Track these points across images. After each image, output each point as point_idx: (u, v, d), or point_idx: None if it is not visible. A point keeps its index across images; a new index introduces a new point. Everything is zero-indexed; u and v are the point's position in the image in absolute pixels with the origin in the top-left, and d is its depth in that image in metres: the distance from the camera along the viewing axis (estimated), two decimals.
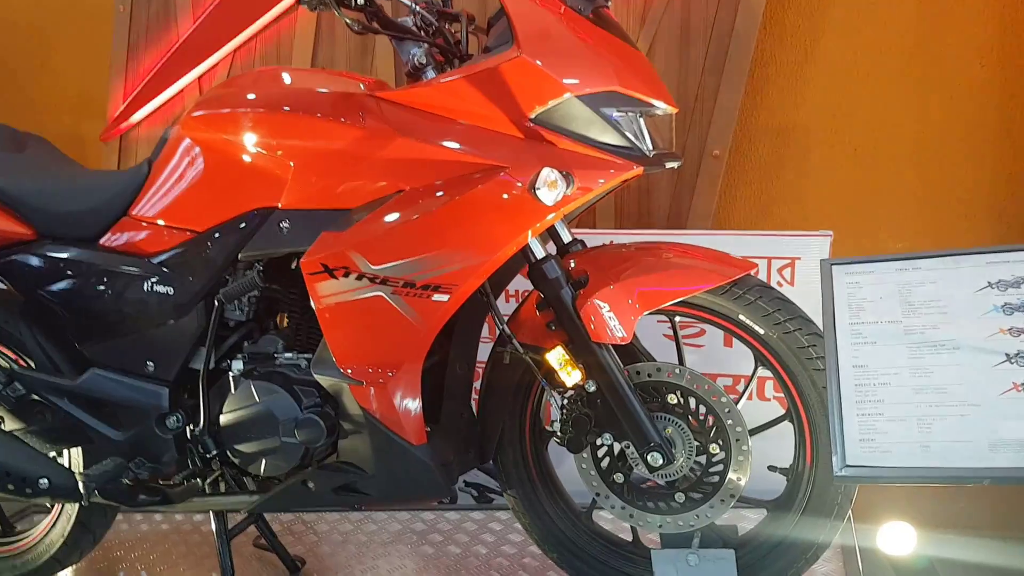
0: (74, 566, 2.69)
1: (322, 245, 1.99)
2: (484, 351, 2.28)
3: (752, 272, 2.05)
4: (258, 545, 2.71)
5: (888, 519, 2.71)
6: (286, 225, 2.04)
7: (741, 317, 2.04)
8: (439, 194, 1.93)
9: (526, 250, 2.03)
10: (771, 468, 2.15)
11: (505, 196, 1.90)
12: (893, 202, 3.08)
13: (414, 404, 2.08)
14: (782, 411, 2.13)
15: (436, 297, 1.95)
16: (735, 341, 2.10)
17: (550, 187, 1.87)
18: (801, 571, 2.11)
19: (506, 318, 2.14)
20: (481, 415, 2.23)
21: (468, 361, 2.32)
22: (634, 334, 2.02)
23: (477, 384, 2.30)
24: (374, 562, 2.67)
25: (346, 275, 1.97)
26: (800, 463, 2.08)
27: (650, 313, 2.01)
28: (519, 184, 1.88)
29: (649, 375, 2.08)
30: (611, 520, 2.20)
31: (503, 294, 2.91)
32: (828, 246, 2.72)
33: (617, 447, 2.09)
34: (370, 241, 1.95)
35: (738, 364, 2.83)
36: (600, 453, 2.13)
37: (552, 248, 2.15)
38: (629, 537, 2.27)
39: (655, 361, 2.12)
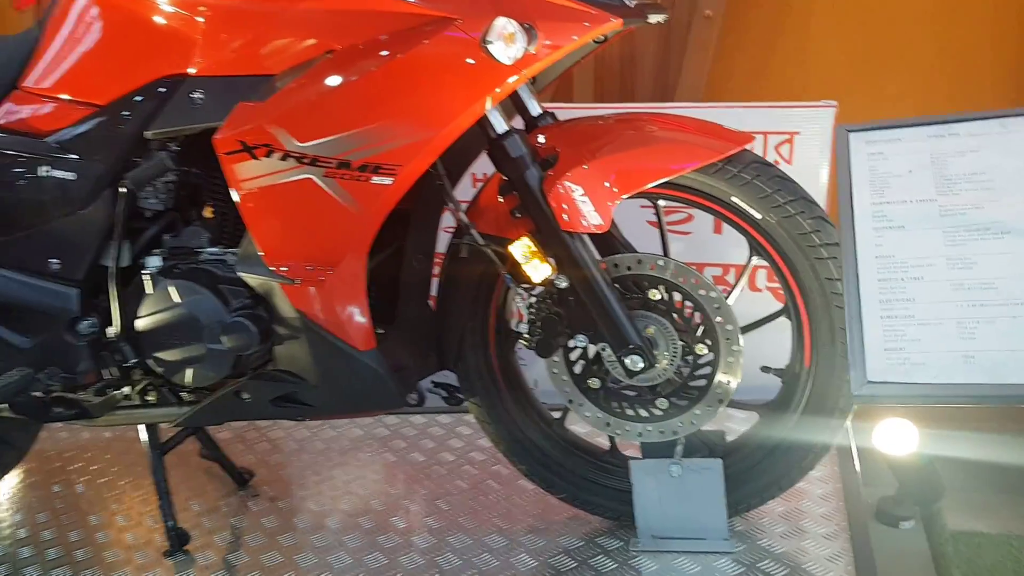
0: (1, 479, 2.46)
1: (239, 118, 1.67)
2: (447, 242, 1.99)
3: (748, 146, 1.76)
4: (205, 456, 2.47)
5: (885, 416, 2.50)
6: (199, 95, 1.72)
7: (735, 200, 1.76)
8: (377, 54, 1.61)
9: (485, 123, 1.72)
10: (765, 369, 1.91)
11: (455, 55, 1.58)
12: (906, 71, 2.75)
13: (359, 305, 1.80)
14: (779, 305, 1.87)
15: (377, 180, 1.65)
16: (726, 227, 1.82)
17: (506, 41, 1.55)
18: (795, 480, 1.89)
19: (465, 205, 1.85)
20: (439, 316, 1.96)
21: (426, 254, 2.04)
22: (612, 221, 1.73)
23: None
24: (330, 472, 2.45)
25: (268, 154, 1.66)
26: (798, 364, 1.84)
27: (630, 197, 1.72)
28: (472, 38, 1.56)
29: (628, 268, 1.81)
30: (586, 428, 1.97)
31: (469, 177, 2.64)
32: (832, 119, 2.42)
33: (592, 349, 1.84)
34: (295, 113, 1.64)
35: (728, 253, 2.55)
36: (573, 356, 1.88)
37: (520, 124, 1.84)
38: (606, 445, 2.04)
39: (635, 252, 1.84)
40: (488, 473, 2.35)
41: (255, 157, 1.66)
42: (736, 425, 2.16)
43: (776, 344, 1.93)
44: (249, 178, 1.69)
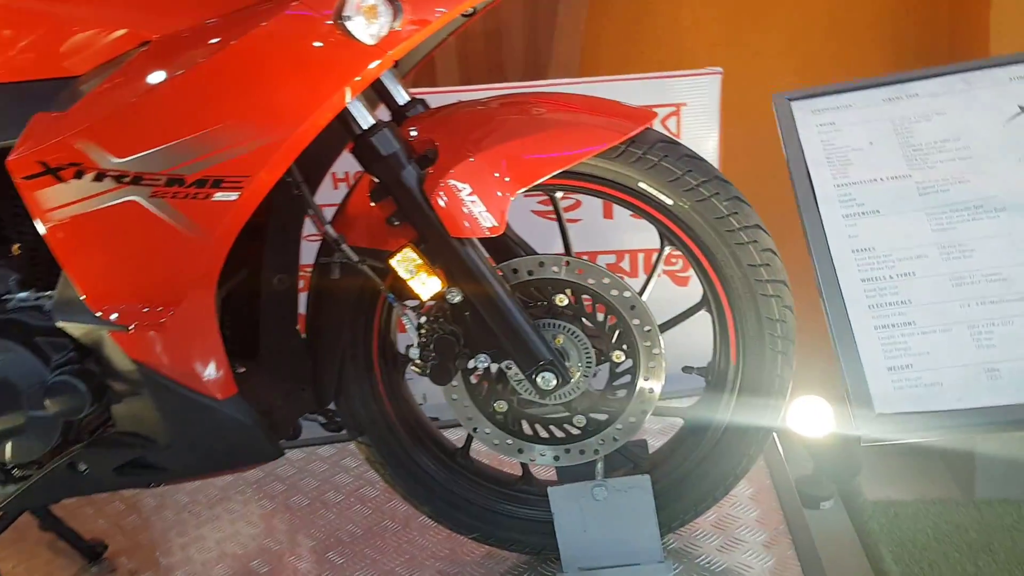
0: None
1: (36, 133, 1.34)
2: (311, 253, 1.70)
3: (651, 124, 1.54)
4: (45, 529, 2.10)
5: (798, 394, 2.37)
6: None
7: (642, 185, 1.54)
8: (204, 43, 1.30)
9: (346, 118, 1.44)
10: (687, 369, 1.71)
11: (302, 38, 1.29)
12: (785, 27, 2.62)
13: (212, 346, 1.51)
14: (693, 296, 1.67)
15: (219, 196, 1.35)
16: (618, 211, 1.60)
17: (367, 17, 1.28)
18: (731, 487, 1.70)
19: (331, 213, 1.57)
20: (312, 345, 1.67)
21: (287, 272, 1.72)
22: (506, 221, 1.48)
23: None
24: (199, 531, 2.13)
25: (78, 175, 1.33)
26: (722, 360, 1.65)
27: (526, 191, 1.48)
28: (322, 15, 1.27)
29: (530, 273, 1.57)
30: (494, 455, 1.73)
31: (331, 180, 2.35)
32: (718, 87, 2.24)
33: (495, 367, 1.59)
34: (108, 122, 1.32)
35: (623, 238, 2.36)
36: (474, 379, 1.63)
37: (385, 115, 1.57)
38: (518, 472, 1.81)
39: (536, 253, 1.60)
40: (383, 513, 2.07)
41: (61, 180, 1.33)
42: (657, 437, 1.97)
43: (691, 341, 1.74)
44: (57, 206, 1.36)
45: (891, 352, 0.92)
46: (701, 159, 1.55)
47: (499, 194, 1.45)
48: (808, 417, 2.34)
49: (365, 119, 1.45)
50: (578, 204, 2.32)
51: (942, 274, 0.92)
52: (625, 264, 2.39)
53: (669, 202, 1.54)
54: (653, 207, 1.56)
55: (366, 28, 1.27)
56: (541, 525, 1.75)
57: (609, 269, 2.28)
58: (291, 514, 2.14)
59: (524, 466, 1.77)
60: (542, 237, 2.26)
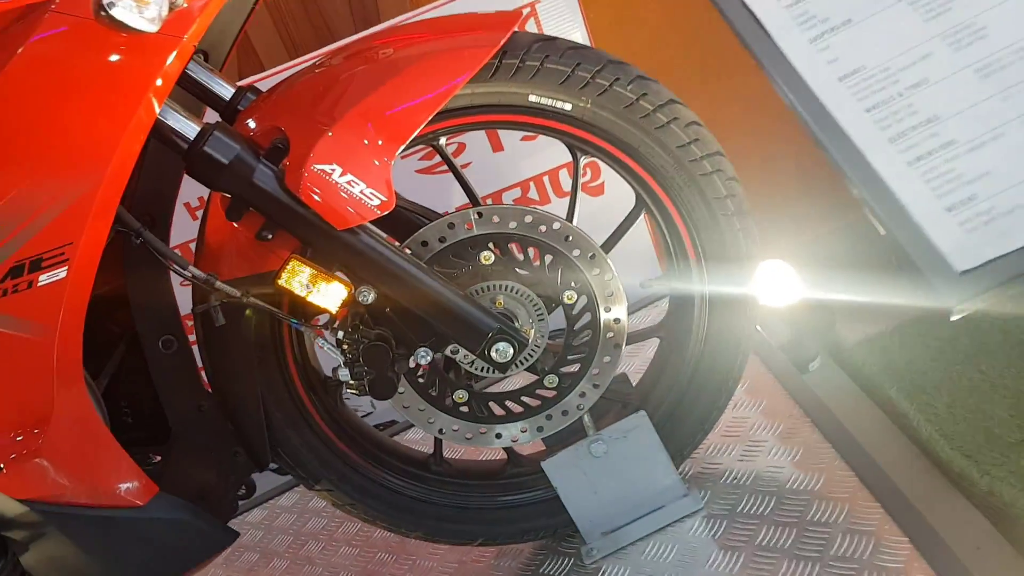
0: None
1: None
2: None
3: (519, 26, 1.31)
4: None
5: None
6: None
7: (533, 98, 1.32)
8: None
9: (165, 132, 1.18)
10: (646, 284, 1.51)
11: (71, 52, 1.01)
12: None
13: (107, 448, 1.25)
14: (615, 204, 1.47)
15: (45, 279, 1.08)
16: (506, 138, 1.39)
17: (137, 0, 1.00)
18: (732, 391, 1.52)
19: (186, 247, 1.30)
20: (226, 408, 1.41)
21: (170, 331, 1.45)
22: (394, 193, 1.24)
23: None
24: None
25: None
26: (679, 260, 1.45)
27: (405, 150, 1.24)
28: (81, 17, 1.00)
29: (442, 240, 1.34)
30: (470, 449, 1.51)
31: (186, 212, 2.05)
32: None
33: (439, 357, 1.37)
34: None
35: (520, 167, 2.13)
36: (420, 379, 1.40)
37: (214, 117, 1.30)
38: (503, 456, 1.59)
39: (439, 215, 1.37)
40: (374, 545, 1.84)
41: None
42: (636, 367, 1.77)
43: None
44: None
45: (940, 188, 0.73)
46: (586, 47, 1.33)
47: (376, 163, 1.21)
48: (775, 283, 2.19)
49: (188, 128, 1.19)
50: (462, 148, 2.08)
51: (961, 68, 0.73)
52: (533, 194, 2.17)
53: (567, 107, 1.31)
54: (552, 118, 1.33)
55: (140, 13, 1.00)
56: (546, 505, 1.55)
57: (517, 202, 2.07)
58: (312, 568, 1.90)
59: (507, 450, 1.56)
60: (437, 197, 2.03)
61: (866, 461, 1.48)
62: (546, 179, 2.17)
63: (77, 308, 1.14)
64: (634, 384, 1.57)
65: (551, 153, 2.12)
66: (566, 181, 2.18)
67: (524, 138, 2.10)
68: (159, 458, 1.50)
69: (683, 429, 1.52)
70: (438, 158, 2.06)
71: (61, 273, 1.10)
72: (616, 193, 2.07)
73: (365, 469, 1.51)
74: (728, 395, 1.51)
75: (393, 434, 2.05)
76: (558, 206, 2.17)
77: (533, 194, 2.17)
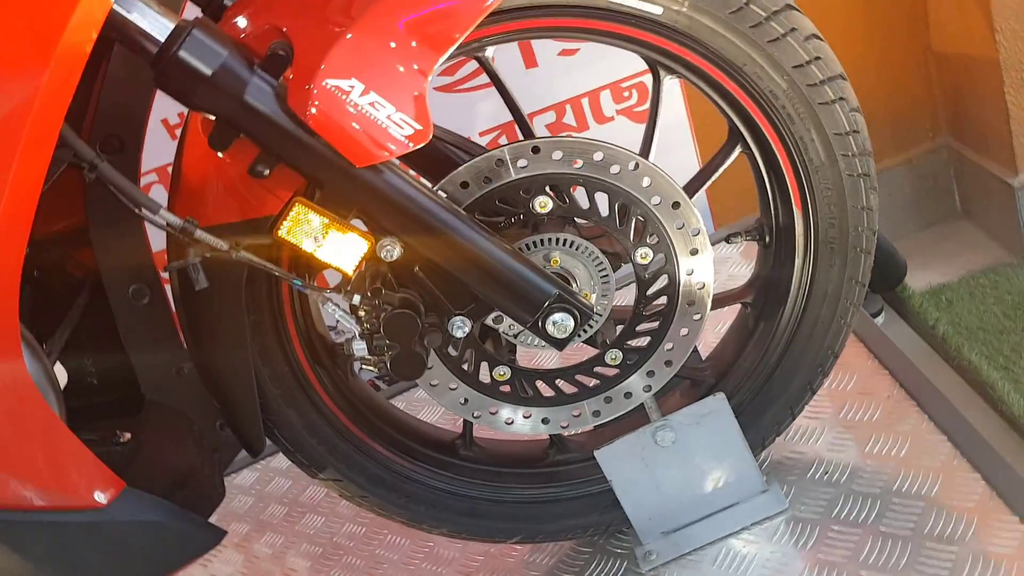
0: None
1: None
2: None
3: None
4: None
5: None
6: None
7: None
8: None
9: (127, 30, 0.87)
10: (732, 239, 1.23)
11: None
12: None
13: (57, 434, 0.99)
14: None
15: None
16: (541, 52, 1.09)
17: None
18: (830, 370, 1.25)
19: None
20: (211, 385, 1.14)
21: (142, 279, 1.16)
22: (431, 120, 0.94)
23: None
24: None
25: None
26: (781, 210, 1.16)
27: (446, 61, 0.94)
28: None
29: (487, 180, 1.04)
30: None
31: (164, 131, 1.73)
32: None
33: (476, 326, 1.09)
34: None
35: (554, 87, 1.82)
36: (453, 351, 1.13)
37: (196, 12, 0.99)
38: (544, 441, 1.32)
39: (485, 149, 1.08)
40: (389, 524, 1.58)
41: None
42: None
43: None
44: None
45: None
46: None
47: (408, 79, 0.91)
48: None
49: (157, 26, 0.88)
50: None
51: None
52: (569, 119, 1.86)
53: (657, 10, 1.00)
54: (634, 25, 1.02)
55: None
56: (596, 499, 1.29)
57: (552, 130, 1.77)
58: (272, 532, 1.66)
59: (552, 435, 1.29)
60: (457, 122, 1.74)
61: (990, 458, 1.21)
62: (585, 101, 1.87)
63: (9, 257, 0.86)
64: (704, 357, 1.30)
65: (593, 70, 1.81)
66: (608, 104, 1.87)
67: (563, 52, 1.78)
68: (127, 437, 1.23)
69: (768, 414, 1.25)
70: (460, 72, 1.76)
71: None
72: (670, 119, 1.77)
73: (379, 455, 1.24)
74: (825, 374, 1.24)
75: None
76: (599, 134, 1.86)
77: (569, 119, 1.87)
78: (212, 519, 1.15)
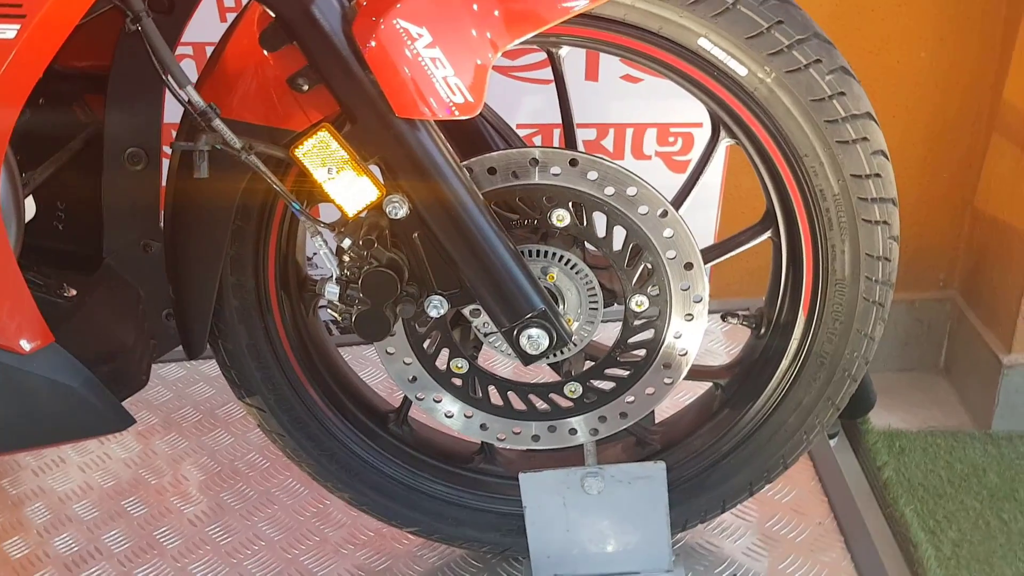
0: None
1: None
2: None
3: None
4: None
5: None
6: None
7: (704, 43, 0.97)
8: None
9: None
10: (728, 317, 1.20)
11: None
12: None
13: (4, 273, 0.93)
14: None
15: None
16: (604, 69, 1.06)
17: None
18: (777, 476, 1.23)
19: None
20: (175, 272, 1.09)
21: (144, 144, 1.11)
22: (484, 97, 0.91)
23: None
24: (59, 452, 1.63)
25: None
26: (786, 307, 1.14)
27: (520, 44, 0.90)
28: None
29: (515, 175, 1.01)
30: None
31: (215, 7, 1.69)
32: None
33: (451, 311, 1.05)
34: None
35: (608, 107, 1.78)
36: (422, 327, 1.09)
37: None
38: (476, 442, 1.29)
39: (523, 144, 1.04)
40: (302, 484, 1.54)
41: None
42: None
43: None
44: None
45: None
46: (793, 4, 0.98)
47: (478, 50, 0.87)
48: None
49: None
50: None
51: None
52: (608, 142, 1.83)
53: (742, 71, 0.97)
54: (713, 77, 0.99)
55: None
56: (504, 519, 1.26)
57: (587, 148, 1.73)
58: (178, 434, 1.63)
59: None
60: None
61: None
62: (629, 132, 1.83)
63: (24, 75, 0.81)
64: (658, 421, 1.27)
65: (648, 105, 1.77)
66: (650, 143, 1.84)
67: (626, 76, 1.75)
68: (73, 293, 1.19)
69: (700, 500, 1.23)
70: (523, 60, 1.72)
71: (8, 31, 0.76)
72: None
73: (311, 400, 1.20)
74: (769, 480, 1.22)
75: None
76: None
77: (608, 143, 1.83)
78: (126, 404, 1.11)
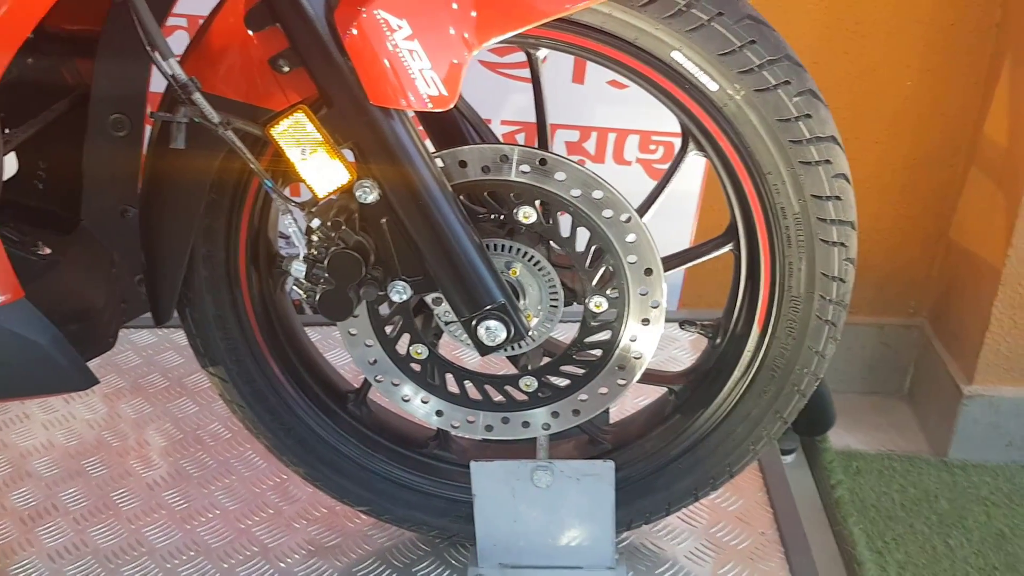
0: None
1: None
2: None
3: None
4: None
5: None
6: None
7: (677, 56, 1.00)
8: None
9: None
10: (686, 325, 1.23)
11: None
12: None
13: None
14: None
15: None
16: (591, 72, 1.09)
17: None
18: (722, 484, 1.26)
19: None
20: (147, 239, 1.11)
21: (129, 111, 1.13)
22: (459, 91, 0.93)
23: None
24: (22, 407, 1.67)
25: None
26: (741, 320, 1.17)
27: (498, 43, 0.93)
28: None
29: (485, 169, 1.03)
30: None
31: None
32: None
33: (414, 297, 1.08)
34: None
35: (593, 111, 1.81)
36: (382, 310, 1.12)
37: None
38: (432, 428, 1.31)
39: (496, 140, 1.07)
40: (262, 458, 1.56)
41: None
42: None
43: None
44: None
45: None
46: (768, 26, 1.01)
47: (456, 46, 0.89)
48: None
49: None
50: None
51: None
52: (590, 145, 1.85)
53: (713, 87, 1.00)
54: (685, 90, 1.02)
55: None
56: (456, 505, 1.29)
57: (568, 149, 1.76)
58: (144, 399, 1.65)
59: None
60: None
61: None
62: (612, 136, 1.86)
63: (11, 31, 0.83)
64: (611, 422, 1.30)
65: (632, 112, 1.80)
66: (632, 149, 1.87)
67: (613, 81, 1.78)
68: (47, 252, 1.21)
69: (645, 501, 1.25)
70: (510, 58, 1.75)
71: None
72: (682, 188, 1.76)
73: (272, 374, 1.22)
74: (715, 488, 1.25)
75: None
76: (611, 174, 1.86)
77: (590, 145, 1.86)
78: (92, 364, 1.13)
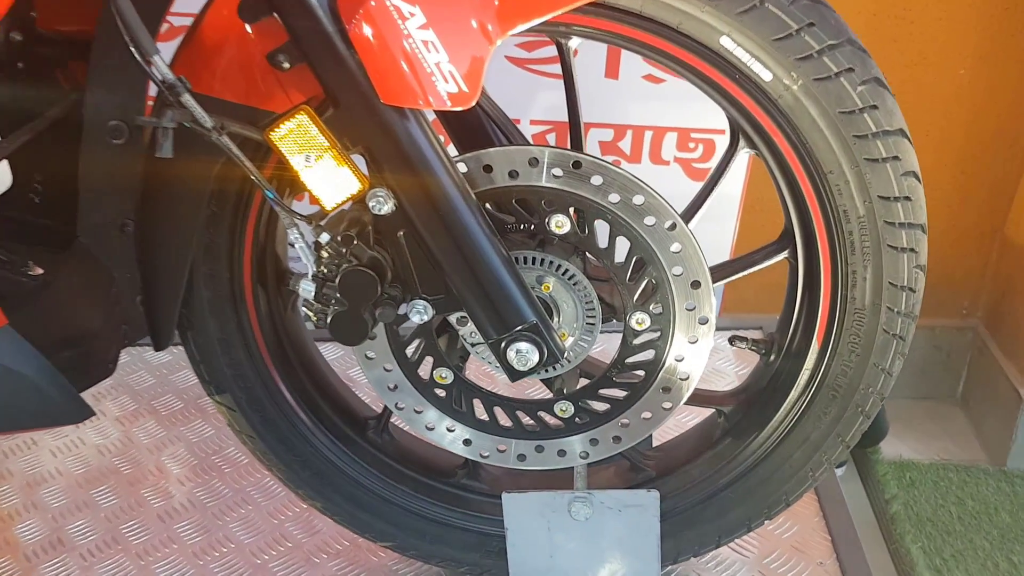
0: None
1: None
2: None
3: None
4: None
5: None
6: None
7: (727, 42, 0.89)
8: None
9: None
10: (735, 340, 1.12)
11: None
12: None
13: None
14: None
15: None
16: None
17: None
18: (780, 511, 1.14)
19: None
20: (143, 257, 1.02)
21: (126, 117, 1.03)
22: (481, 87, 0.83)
23: None
24: (32, 433, 1.56)
25: None
26: (799, 335, 1.05)
27: (525, 31, 0.82)
28: None
29: (513, 175, 0.93)
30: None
31: None
32: None
33: (436, 317, 0.97)
34: None
35: (627, 108, 1.70)
36: (403, 332, 1.01)
37: None
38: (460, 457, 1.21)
39: (525, 142, 0.96)
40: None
41: None
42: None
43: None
44: None
45: None
46: (827, 5, 0.90)
47: (477, 36, 0.79)
48: None
49: None
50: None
51: None
52: (625, 144, 1.74)
53: (767, 76, 0.89)
54: (735, 80, 0.90)
55: None
56: (484, 539, 1.18)
57: (602, 149, 1.65)
58: (157, 422, 1.57)
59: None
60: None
61: None
62: (648, 135, 1.75)
63: None
64: (655, 446, 1.19)
65: (670, 108, 1.69)
66: (669, 147, 1.76)
67: (648, 76, 1.66)
68: (40, 272, 1.12)
69: (694, 532, 1.14)
70: (539, 53, 1.64)
71: None
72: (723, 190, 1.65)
73: (284, 402, 1.12)
74: (769, 517, 1.13)
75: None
76: (648, 174, 1.75)
77: (625, 145, 1.75)
78: (102, 385, 1.04)
